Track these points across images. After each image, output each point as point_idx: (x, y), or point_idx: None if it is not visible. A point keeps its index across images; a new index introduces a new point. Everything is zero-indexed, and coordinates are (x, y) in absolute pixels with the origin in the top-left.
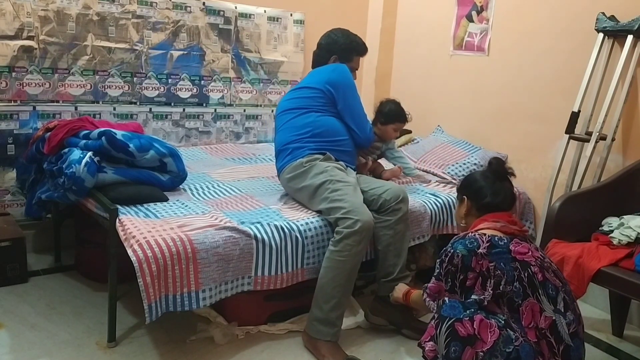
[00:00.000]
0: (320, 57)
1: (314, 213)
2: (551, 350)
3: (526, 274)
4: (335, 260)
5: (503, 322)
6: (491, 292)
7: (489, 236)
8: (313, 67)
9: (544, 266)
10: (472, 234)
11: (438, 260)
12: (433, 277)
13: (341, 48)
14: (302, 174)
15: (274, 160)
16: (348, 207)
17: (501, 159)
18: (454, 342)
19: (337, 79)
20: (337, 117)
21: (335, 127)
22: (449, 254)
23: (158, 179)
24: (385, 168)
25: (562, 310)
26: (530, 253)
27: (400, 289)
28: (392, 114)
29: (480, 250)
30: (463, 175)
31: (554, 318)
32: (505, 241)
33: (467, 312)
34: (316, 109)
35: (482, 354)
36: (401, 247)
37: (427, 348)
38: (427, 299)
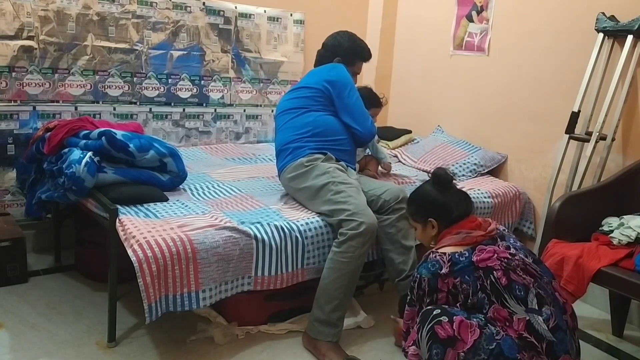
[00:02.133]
0: (324, 57)
1: (314, 213)
2: (535, 350)
3: (489, 281)
4: (338, 261)
5: (484, 320)
6: (458, 305)
7: (449, 255)
8: (315, 66)
9: (511, 266)
10: (433, 255)
11: (409, 288)
12: (406, 305)
13: (345, 51)
14: (304, 174)
15: (274, 161)
16: (352, 209)
17: (442, 167)
18: (435, 345)
19: (333, 77)
20: (337, 117)
21: (335, 127)
22: (417, 280)
23: (158, 179)
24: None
25: (536, 308)
26: (494, 256)
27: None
28: (365, 101)
29: (442, 272)
30: (463, 175)
31: (527, 318)
32: (467, 255)
33: (446, 313)
34: (316, 108)
35: (463, 354)
36: (406, 244)
37: (410, 353)
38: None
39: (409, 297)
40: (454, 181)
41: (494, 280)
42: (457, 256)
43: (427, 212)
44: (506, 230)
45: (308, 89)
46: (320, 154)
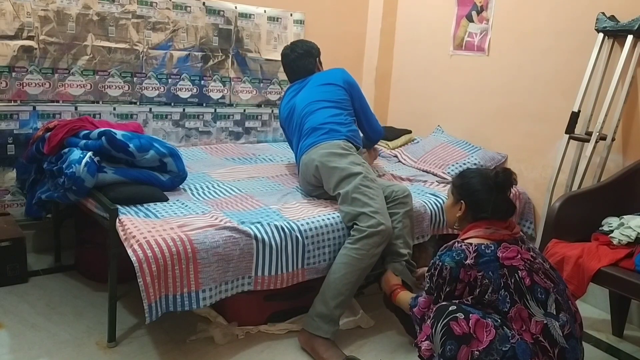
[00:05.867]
0: (308, 62)
1: (315, 213)
2: (546, 355)
3: (513, 280)
4: (351, 257)
5: (499, 320)
6: (469, 298)
7: (475, 245)
8: (301, 75)
9: (534, 268)
10: (459, 244)
11: (427, 274)
12: (424, 292)
13: (318, 50)
14: (340, 155)
15: (274, 161)
16: (377, 209)
17: (510, 171)
18: (450, 340)
19: (350, 79)
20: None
21: (359, 133)
22: (438, 267)
23: (158, 179)
24: None
25: (554, 313)
26: (518, 256)
27: (390, 280)
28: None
29: (467, 262)
30: None
31: (545, 322)
32: (493, 248)
33: (462, 309)
34: (343, 107)
35: (477, 352)
36: (408, 241)
37: (423, 347)
38: (413, 314)
39: (427, 285)
40: (509, 188)
41: (518, 279)
42: (483, 248)
43: (463, 194)
44: (525, 237)
45: (333, 86)
46: (354, 146)
